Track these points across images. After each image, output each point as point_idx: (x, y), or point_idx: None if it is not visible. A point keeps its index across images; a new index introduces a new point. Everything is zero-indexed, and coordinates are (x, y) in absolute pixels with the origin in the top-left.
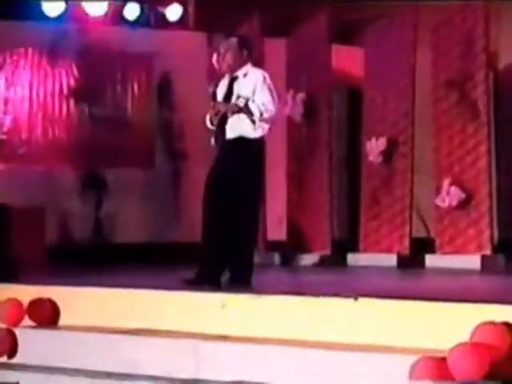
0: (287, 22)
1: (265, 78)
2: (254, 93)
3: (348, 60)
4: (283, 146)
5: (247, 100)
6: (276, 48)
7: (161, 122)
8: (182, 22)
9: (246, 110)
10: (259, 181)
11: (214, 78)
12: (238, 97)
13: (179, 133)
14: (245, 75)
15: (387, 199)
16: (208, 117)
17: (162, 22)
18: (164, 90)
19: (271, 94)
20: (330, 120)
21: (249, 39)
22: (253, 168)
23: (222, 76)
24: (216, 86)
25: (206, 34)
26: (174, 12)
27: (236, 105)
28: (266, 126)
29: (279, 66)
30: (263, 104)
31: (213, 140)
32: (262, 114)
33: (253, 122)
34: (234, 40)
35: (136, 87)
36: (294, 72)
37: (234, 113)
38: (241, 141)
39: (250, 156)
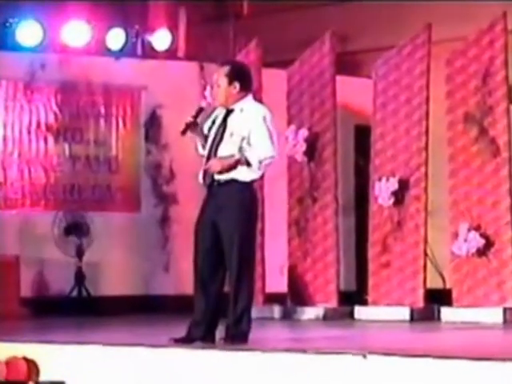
0: (288, 51)
1: (265, 117)
2: (250, 133)
3: (355, 93)
4: (283, 187)
5: (242, 139)
6: (276, 79)
7: (148, 162)
8: (171, 51)
9: (242, 161)
10: (255, 227)
11: (208, 112)
12: (232, 134)
13: (168, 174)
14: (241, 110)
15: (398, 246)
16: (201, 173)
17: (150, 52)
18: (152, 127)
19: (271, 138)
20: (335, 159)
21: (243, 68)
22: (248, 213)
23: (215, 108)
24: (209, 118)
25: (198, 64)
26: (162, 40)
27: (232, 161)
28: (263, 168)
29: (279, 99)
30: (262, 149)
31: (201, 178)
32: (260, 162)
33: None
34: (225, 69)
35: (121, 123)
36: (295, 106)
37: (229, 170)
38: (233, 183)
39: (244, 200)
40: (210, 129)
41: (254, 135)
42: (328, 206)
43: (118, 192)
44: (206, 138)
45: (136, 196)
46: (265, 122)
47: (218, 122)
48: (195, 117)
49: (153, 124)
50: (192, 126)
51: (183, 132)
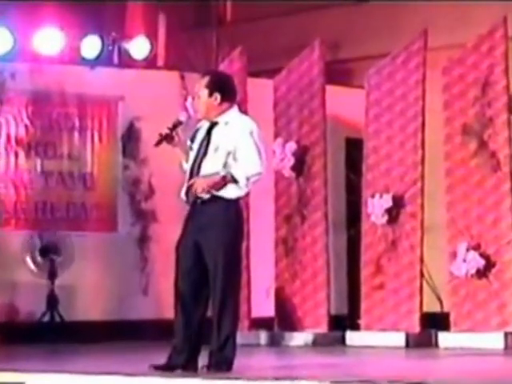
0: (275, 59)
1: (251, 131)
2: (236, 147)
3: (346, 104)
4: (270, 204)
5: (228, 154)
6: (262, 89)
7: (126, 178)
8: (150, 60)
9: (228, 179)
10: (240, 247)
11: (190, 124)
12: (217, 148)
13: (147, 190)
14: (226, 123)
15: (393, 267)
16: (183, 189)
17: (127, 60)
18: (130, 140)
19: (259, 153)
20: (325, 174)
21: (224, 78)
22: (233, 232)
23: (200, 120)
24: (194, 134)
25: (179, 73)
26: (140, 48)
27: (217, 179)
28: (250, 185)
29: (265, 111)
30: (249, 165)
31: (183, 195)
32: (248, 179)
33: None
34: (205, 80)
35: (97, 137)
36: (282, 118)
37: (215, 189)
38: (218, 200)
39: (230, 218)
40: (192, 142)
41: (240, 150)
42: (318, 224)
43: (93, 210)
44: (188, 151)
45: (113, 214)
46: (251, 136)
47: (202, 135)
48: (172, 129)
49: (131, 137)
50: (168, 139)
51: (157, 144)
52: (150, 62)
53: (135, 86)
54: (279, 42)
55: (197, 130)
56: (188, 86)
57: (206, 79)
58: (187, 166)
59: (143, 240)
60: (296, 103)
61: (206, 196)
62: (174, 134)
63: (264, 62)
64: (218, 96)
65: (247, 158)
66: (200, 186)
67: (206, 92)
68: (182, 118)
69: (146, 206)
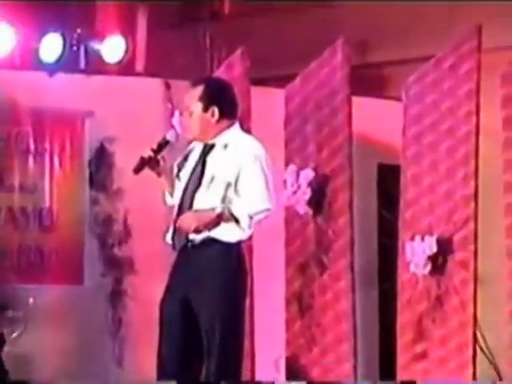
0: (286, 63)
1: (257, 156)
2: (238, 177)
3: (378, 120)
4: (280, 249)
5: (227, 186)
6: (270, 101)
7: (94, 215)
8: (126, 64)
9: (227, 216)
10: (242, 306)
11: (178, 146)
12: (213, 178)
13: (122, 231)
14: (226, 146)
15: (439, 330)
16: (170, 231)
17: (97, 65)
18: (100, 167)
19: (266, 184)
20: (351, 211)
21: (223, 88)
22: (233, 286)
23: (189, 142)
24: (184, 160)
25: (163, 81)
26: (113, 49)
27: (213, 216)
28: (254, 225)
29: (275, 129)
30: (253, 200)
31: (169, 238)
32: (251, 218)
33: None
34: (198, 90)
35: (57, 162)
36: (296, 138)
37: (209, 228)
38: (213, 245)
39: (228, 268)
40: (180, 170)
41: (243, 181)
42: (341, 275)
43: (52, 256)
44: (175, 182)
45: (77, 262)
46: (257, 163)
47: (194, 161)
48: (156, 151)
49: (101, 163)
50: (151, 163)
51: (137, 170)
52: (126, 67)
53: (107, 97)
54: (291, 42)
55: (187, 155)
56: (175, 97)
57: (200, 89)
58: (174, 201)
59: (117, 295)
60: (313, 119)
61: (199, 238)
62: (159, 157)
63: (272, 67)
64: (215, 111)
65: (251, 190)
66: (190, 223)
67: (199, 106)
68: (170, 137)
69: (121, 251)
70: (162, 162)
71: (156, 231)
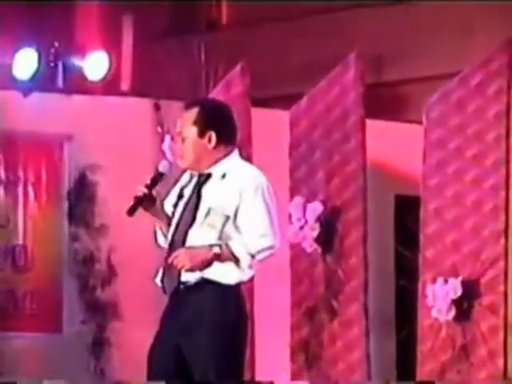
0: (292, 81)
1: (259, 187)
2: (238, 211)
3: (396, 146)
4: (284, 292)
5: (226, 221)
6: (274, 125)
7: (75, 255)
8: (110, 82)
9: (225, 255)
10: (241, 356)
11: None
12: (209, 212)
13: (106, 272)
14: (223, 176)
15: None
16: (160, 272)
17: (78, 83)
18: (80, 199)
19: (270, 219)
20: (365, 248)
21: (221, 110)
22: (230, 334)
23: (183, 172)
24: (174, 188)
25: (153, 102)
26: (95, 65)
27: (209, 254)
28: (256, 265)
29: (278, 156)
30: (255, 236)
31: (159, 280)
32: (253, 257)
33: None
34: (193, 113)
35: (32, 194)
36: (302, 166)
37: (205, 267)
38: (209, 287)
39: (226, 314)
40: (175, 205)
41: (243, 214)
42: (354, 322)
43: (26, 300)
44: (169, 220)
45: (55, 307)
46: (259, 195)
47: (187, 193)
48: (150, 186)
49: (81, 195)
50: (146, 202)
51: (131, 211)
52: (110, 86)
53: (89, 119)
54: (297, 57)
55: (180, 187)
56: (166, 120)
57: (194, 112)
58: (165, 240)
59: (99, 344)
60: (323, 145)
61: (193, 280)
62: (154, 193)
63: (276, 86)
64: (212, 136)
65: (253, 225)
66: (183, 261)
67: (194, 131)
68: (163, 168)
69: (104, 294)
70: (157, 200)
71: (144, 272)
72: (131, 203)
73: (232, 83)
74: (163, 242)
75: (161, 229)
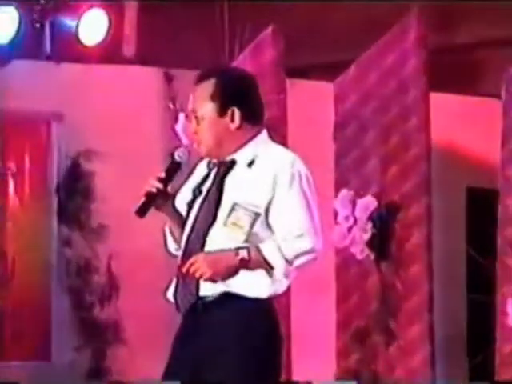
0: (336, 46)
1: (296, 176)
2: (269, 206)
3: (466, 127)
4: (328, 308)
5: (255, 218)
6: (314, 99)
7: (65, 262)
8: (110, 47)
9: (255, 261)
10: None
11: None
12: (234, 207)
13: (106, 286)
14: (252, 163)
15: None
16: (172, 285)
17: (70, 49)
18: (73, 193)
19: (311, 215)
20: (429, 253)
21: (246, 81)
22: (262, 359)
23: (200, 160)
24: (188, 180)
25: (163, 72)
26: (92, 27)
27: (236, 260)
28: (293, 273)
29: (320, 138)
30: (292, 237)
31: (171, 295)
32: (290, 263)
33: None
34: (209, 85)
35: (12, 187)
36: (350, 151)
37: (229, 276)
38: (234, 302)
39: (256, 334)
40: (190, 202)
41: (276, 210)
42: (416, 347)
43: (6, 321)
44: (181, 220)
45: (42, 329)
46: (296, 186)
47: (205, 187)
48: (166, 180)
49: (74, 188)
50: (160, 199)
51: (142, 210)
52: (109, 52)
53: (83, 93)
54: (341, 15)
55: (197, 179)
56: (180, 94)
57: (211, 84)
58: (177, 245)
59: (97, 375)
60: (376, 125)
61: (214, 294)
62: (169, 188)
63: (315, 52)
64: (235, 113)
65: (289, 224)
66: (202, 271)
67: (212, 108)
68: (180, 157)
69: (103, 314)
70: (170, 195)
71: (152, 285)
72: (142, 201)
73: (261, 49)
74: (174, 249)
75: (171, 232)
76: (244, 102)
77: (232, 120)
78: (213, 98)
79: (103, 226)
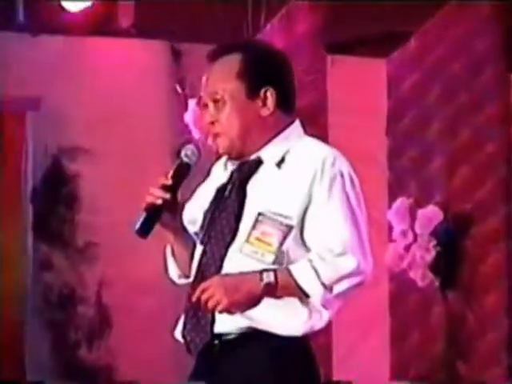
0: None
1: (336, 176)
2: (304, 217)
3: None
4: (381, 349)
5: (287, 231)
6: (362, 80)
7: (44, 289)
8: (99, 15)
9: (286, 287)
10: None
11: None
12: (259, 219)
13: (94, 317)
14: (280, 163)
15: None
16: (181, 320)
17: (48, 16)
18: (54, 202)
19: (356, 228)
20: (510, 281)
21: (277, 56)
22: None
23: (218, 158)
24: (202, 186)
25: (169, 45)
26: None
27: (260, 286)
28: (336, 303)
29: (369, 129)
30: (334, 254)
31: (178, 334)
32: (330, 289)
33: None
34: (234, 60)
35: None
36: (409, 147)
37: (251, 306)
38: (257, 340)
39: (284, 380)
40: (204, 216)
41: (313, 222)
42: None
43: None
44: (190, 239)
45: (15, 375)
46: (339, 191)
47: (225, 193)
48: (173, 187)
49: (55, 195)
50: (166, 212)
51: (144, 229)
52: (100, 20)
53: (66, 74)
54: None
55: (213, 184)
56: (189, 73)
57: (236, 60)
58: (180, 271)
59: None
60: (441, 114)
61: (234, 330)
62: (178, 194)
63: (361, 21)
64: (271, 95)
65: (329, 238)
66: (218, 299)
67: (239, 88)
68: (187, 157)
69: (92, 355)
70: (178, 205)
71: (153, 319)
72: (143, 216)
73: (294, 18)
74: (177, 276)
75: (173, 253)
76: (278, 82)
77: (264, 104)
78: (240, 75)
79: (92, 245)
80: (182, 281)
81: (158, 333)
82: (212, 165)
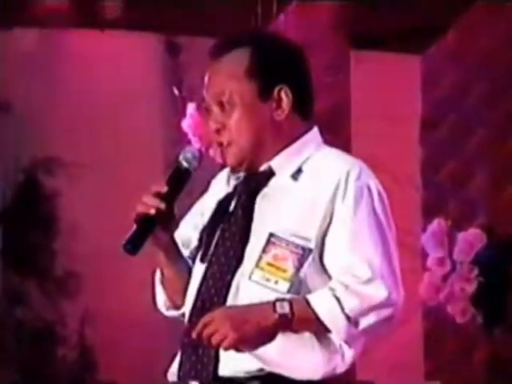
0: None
1: (362, 190)
2: (324, 238)
3: None
4: None
5: (303, 255)
6: (393, 79)
7: (15, 329)
8: (82, 4)
9: (304, 320)
10: None
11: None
12: (271, 240)
13: (76, 362)
14: (296, 175)
15: None
16: (176, 359)
17: (22, 5)
18: (27, 221)
19: (385, 251)
20: None
21: (292, 52)
22: None
23: (222, 169)
24: (203, 202)
25: (164, 39)
26: None
27: (272, 319)
28: (361, 339)
29: (399, 137)
30: (357, 284)
31: (173, 374)
32: (356, 323)
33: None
34: (242, 55)
35: None
36: (445, 159)
37: (261, 344)
38: None
39: None
40: (203, 236)
41: (334, 245)
42: None
43: None
44: (184, 264)
45: None
46: (364, 208)
47: (229, 209)
48: (169, 195)
49: (28, 216)
50: (161, 225)
51: (132, 245)
52: (82, 11)
53: (42, 73)
54: None
55: (215, 200)
56: (188, 73)
57: (246, 54)
58: (169, 302)
59: None
60: (485, 120)
61: (242, 372)
62: (173, 206)
63: (391, 11)
64: (286, 96)
65: (353, 264)
66: (222, 334)
67: (250, 88)
68: (187, 161)
69: None
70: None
71: (145, 362)
72: (133, 229)
73: (313, 7)
74: (165, 306)
75: (163, 282)
76: (293, 81)
77: (279, 106)
78: (250, 73)
79: (72, 275)
80: (171, 312)
81: (149, 375)
82: (212, 178)
